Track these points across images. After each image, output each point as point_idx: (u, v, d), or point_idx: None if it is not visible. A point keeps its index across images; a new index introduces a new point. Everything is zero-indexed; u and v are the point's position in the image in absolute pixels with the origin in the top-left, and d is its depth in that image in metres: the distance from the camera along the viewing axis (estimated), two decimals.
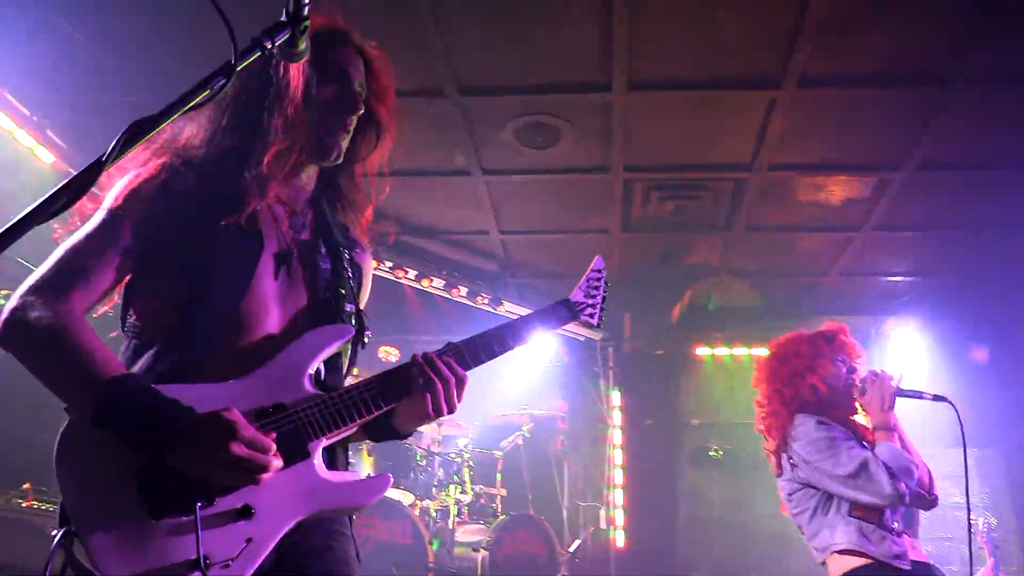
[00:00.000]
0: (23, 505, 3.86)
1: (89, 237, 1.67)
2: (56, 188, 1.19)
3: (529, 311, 6.61)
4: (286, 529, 1.58)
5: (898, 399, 3.24)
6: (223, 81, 1.35)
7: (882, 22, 4.41)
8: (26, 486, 3.94)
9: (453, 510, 6.10)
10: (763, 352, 8.38)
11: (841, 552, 3.01)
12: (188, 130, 1.84)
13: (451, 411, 1.81)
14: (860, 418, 3.38)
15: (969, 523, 3.07)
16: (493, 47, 4.74)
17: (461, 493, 6.26)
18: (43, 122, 5.33)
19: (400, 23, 4.49)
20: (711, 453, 8.14)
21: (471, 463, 6.62)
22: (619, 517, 7.89)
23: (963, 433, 3.07)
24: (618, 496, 7.97)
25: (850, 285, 7.96)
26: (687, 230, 6.86)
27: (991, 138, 5.41)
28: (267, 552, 1.55)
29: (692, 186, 6.14)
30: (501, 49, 4.75)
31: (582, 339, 8.51)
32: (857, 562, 2.96)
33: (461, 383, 1.82)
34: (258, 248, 1.76)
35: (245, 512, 1.54)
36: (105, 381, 1.50)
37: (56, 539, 1.49)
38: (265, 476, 1.52)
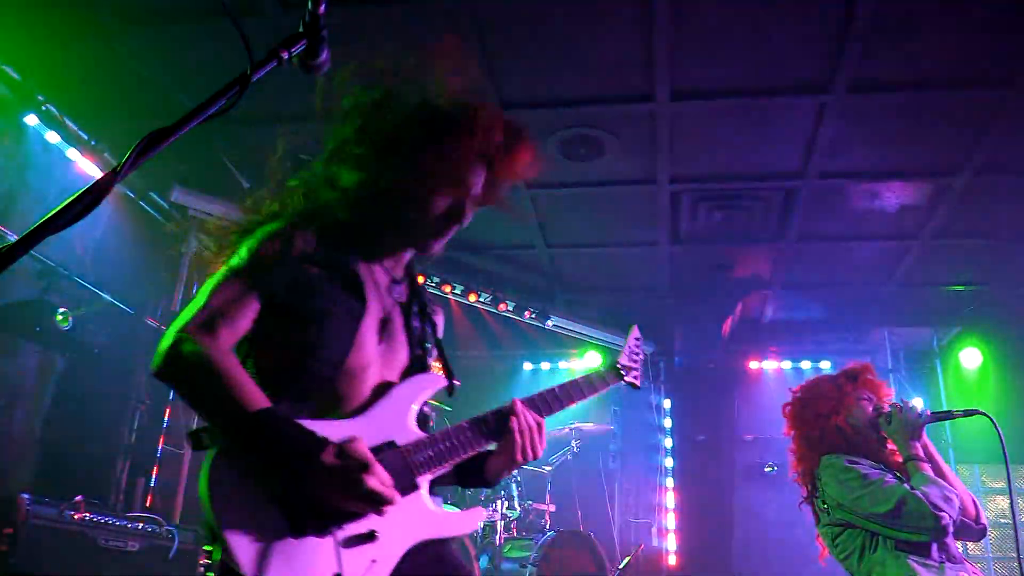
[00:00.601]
0: (76, 517, 3.93)
1: (232, 282, 1.85)
2: (71, 198, 1.20)
3: (577, 324, 6.52)
4: (402, 554, 1.79)
5: (933, 424, 3.12)
6: (237, 90, 1.36)
7: (936, 23, 4.28)
8: (78, 499, 4.00)
9: (500, 525, 6.06)
10: (822, 365, 8.28)
11: None
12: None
13: (535, 456, 2.04)
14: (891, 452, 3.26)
15: (1017, 539, 2.90)
16: (535, 59, 4.73)
17: (508, 508, 6.21)
18: (100, 145, 5.48)
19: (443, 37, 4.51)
20: (766, 469, 7.96)
21: (519, 478, 6.57)
22: (671, 534, 7.75)
23: (1003, 446, 2.91)
24: (670, 512, 7.84)
25: (910, 296, 7.71)
26: (737, 241, 6.72)
27: None
28: (388, 574, 1.75)
29: (741, 196, 6.02)
30: (543, 61, 4.74)
31: None
32: None
33: (540, 427, 2.05)
34: (361, 310, 1.95)
35: (370, 536, 1.74)
36: (254, 413, 1.67)
37: (211, 553, 1.68)
38: (388, 508, 1.72)
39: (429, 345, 2.13)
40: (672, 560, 7.65)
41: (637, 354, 2.50)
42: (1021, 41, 4.35)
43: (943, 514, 2.78)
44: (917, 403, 3.17)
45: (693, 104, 4.97)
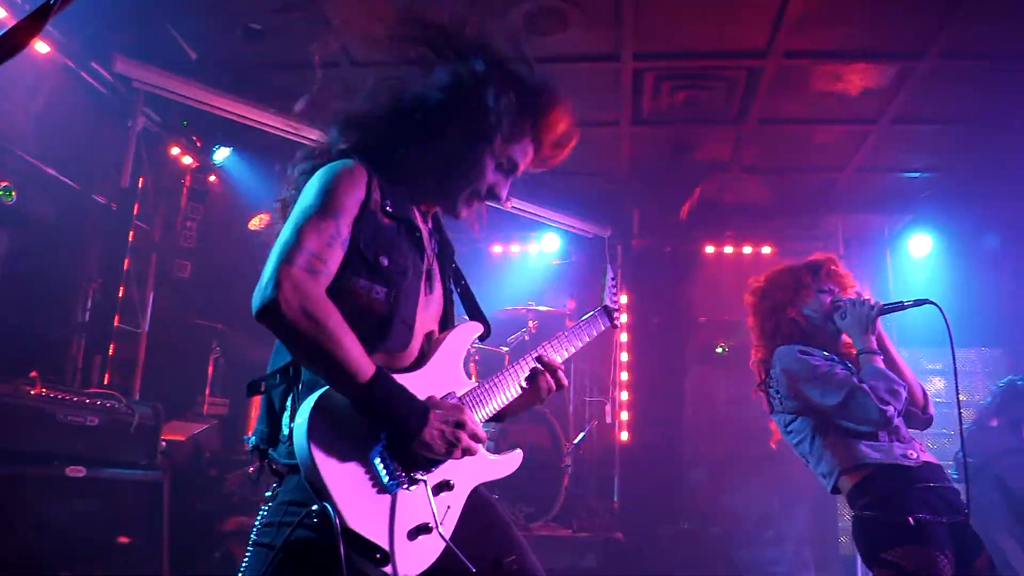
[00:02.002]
0: (32, 393, 3.90)
1: (326, 223, 1.85)
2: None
3: (536, 206, 6.51)
4: (466, 498, 1.97)
5: (885, 316, 3.20)
6: None
7: None
8: (33, 374, 3.96)
9: None
10: (776, 248, 8.40)
11: (847, 470, 2.99)
12: (376, 142, 2.10)
13: (553, 393, 2.26)
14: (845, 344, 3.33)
15: (960, 422, 3.02)
16: None
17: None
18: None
19: None
20: (717, 350, 8.17)
21: (476, 358, 6.66)
22: (624, 413, 7.99)
23: (950, 333, 3.00)
24: (624, 392, 8.06)
25: (865, 182, 7.77)
26: (699, 122, 6.64)
27: (1018, 25, 5.15)
28: (458, 516, 1.93)
29: (705, 75, 5.91)
30: None
31: (590, 236, 8.44)
32: (865, 472, 2.95)
33: (558, 370, 2.27)
34: (422, 267, 2.07)
35: (447, 485, 1.91)
36: (368, 378, 1.74)
37: (324, 510, 1.70)
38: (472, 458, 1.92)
39: (459, 295, 2.32)
40: (624, 437, 7.91)
41: (615, 292, 2.75)
42: None
43: (888, 407, 2.88)
44: (868, 296, 3.21)
45: None
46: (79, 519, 3.95)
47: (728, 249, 8.58)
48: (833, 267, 3.38)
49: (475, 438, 1.88)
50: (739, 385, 8.12)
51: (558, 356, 2.33)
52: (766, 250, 8.55)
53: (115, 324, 5.57)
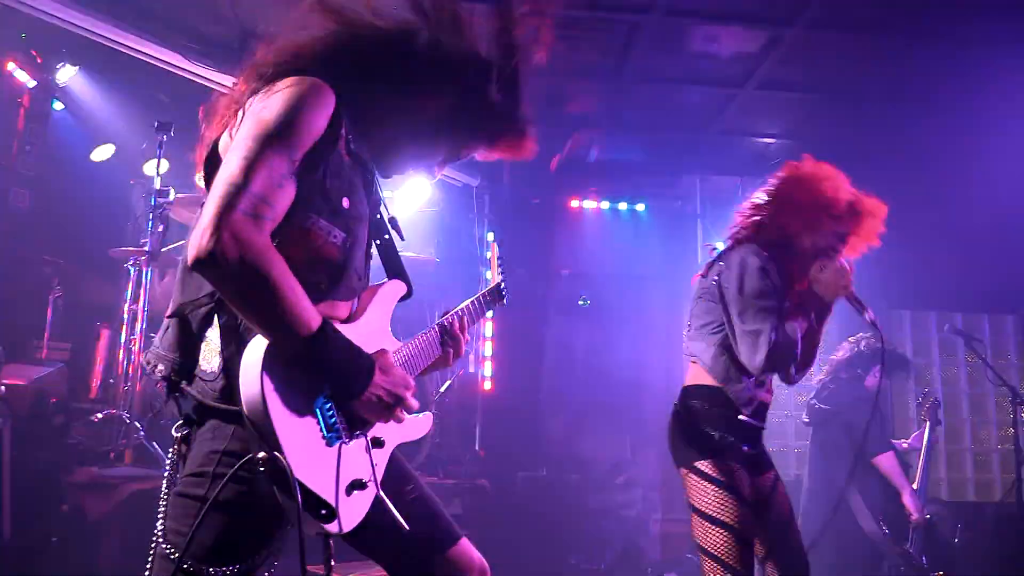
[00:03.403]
0: None
1: (277, 158, 1.63)
2: None
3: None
4: (389, 456, 1.96)
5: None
6: None
7: None
8: None
9: None
10: (638, 206, 8.61)
11: (703, 367, 3.02)
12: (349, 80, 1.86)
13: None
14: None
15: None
16: None
17: None
18: None
19: None
20: (580, 302, 8.33)
21: None
22: (488, 361, 8.04)
23: (883, 347, 3.21)
24: (487, 341, 8.09)
25: (725, 144, 8.05)
26: (576, 76, 6.65)
27: (881, 3, 5.44)
28: (382, 474, 1.89)
29: (588, 26, 5.89)
30: None
31: (459, 185, 8.34)
32: (706, 380, 2.99)
33: (462, 344, 2.30)
34: (367, 210, 1.94)
35: (378, 443, 1.88)
36: (313, 331, 1.60)
37: (273, 459, 1.59)
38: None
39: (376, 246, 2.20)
40: (487, 385, 7.96)
41: (503, 269, 2.80)
42: None
43: (768, 367, 2.87)
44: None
45: None
46: None
47: (593, 204, 8.71)
48: (870, 221, 3.06)
49: (408, 408, 1.84)
50: (597, 336, 8.44)
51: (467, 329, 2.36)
52: (633, 206, 8.75)
53: None
